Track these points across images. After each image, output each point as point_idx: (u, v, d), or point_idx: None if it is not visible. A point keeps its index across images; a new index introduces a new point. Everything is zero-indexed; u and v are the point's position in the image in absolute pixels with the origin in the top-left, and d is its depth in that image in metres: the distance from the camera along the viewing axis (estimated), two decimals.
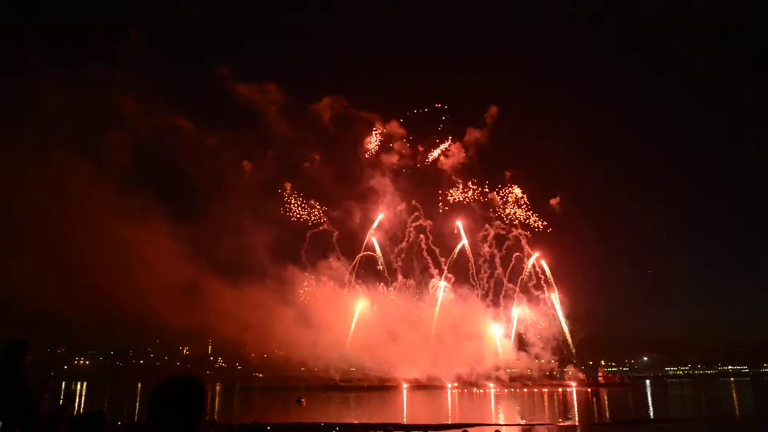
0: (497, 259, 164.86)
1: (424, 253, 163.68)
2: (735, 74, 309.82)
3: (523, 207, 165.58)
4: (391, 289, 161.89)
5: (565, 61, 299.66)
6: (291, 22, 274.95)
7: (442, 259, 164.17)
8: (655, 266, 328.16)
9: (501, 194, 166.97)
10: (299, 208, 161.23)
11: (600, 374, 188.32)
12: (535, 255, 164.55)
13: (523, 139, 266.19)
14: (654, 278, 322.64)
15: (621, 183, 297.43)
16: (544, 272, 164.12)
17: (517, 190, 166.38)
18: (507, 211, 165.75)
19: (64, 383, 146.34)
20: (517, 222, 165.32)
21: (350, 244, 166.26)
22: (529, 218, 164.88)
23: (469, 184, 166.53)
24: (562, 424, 64.23)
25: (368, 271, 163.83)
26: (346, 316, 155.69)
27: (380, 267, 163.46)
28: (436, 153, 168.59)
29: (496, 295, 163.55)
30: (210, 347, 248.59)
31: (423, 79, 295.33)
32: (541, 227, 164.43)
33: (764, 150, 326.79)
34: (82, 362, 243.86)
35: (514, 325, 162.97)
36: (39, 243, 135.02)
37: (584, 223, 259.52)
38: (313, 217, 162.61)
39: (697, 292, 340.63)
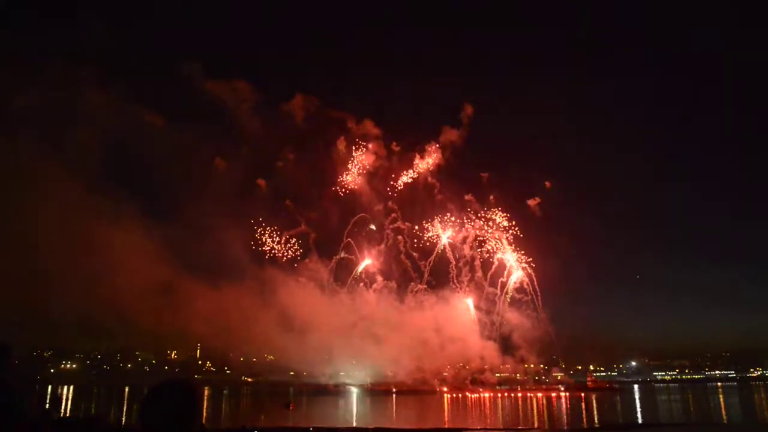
0: (478, 262, 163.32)
1: (402, 257, 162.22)
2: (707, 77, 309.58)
3: (506, 237, 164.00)
4: (372, 291, 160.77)
5: (542, 59, 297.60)
6: (260, 18, 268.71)
7: (422, 263, 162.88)
8: (643, 272, 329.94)
9: (482, 217, 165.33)
10: (274, 241, 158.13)
11: (589, 379, 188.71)
12: (520, 265, 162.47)
13: (499, 139, 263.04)
14: (642, 284, 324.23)
15: (605, 185, 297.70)
16: (528, 275, 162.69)
17: (498, 218, 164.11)
18: (487, 246, 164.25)
19: (50, 387, 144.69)
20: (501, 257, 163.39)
21: (327, 245, 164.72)
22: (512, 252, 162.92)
23: (447, 216, 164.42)
24: (551, 429, 64.34)
25: (347, 273, 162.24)
26: (328, 317, 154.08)
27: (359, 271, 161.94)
28: (406, 179, 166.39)
29: (477, 298, 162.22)
30: (198, 351, 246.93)
31: (397, 78, 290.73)
32: (528, 264, 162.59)
33: (752, 152, 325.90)
34: (69, 366, 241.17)
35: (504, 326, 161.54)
36: (12, 244, 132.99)
37: (569, 226, 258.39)
38: (288, 223, 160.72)
39: (684, 298, 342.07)
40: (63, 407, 77.19)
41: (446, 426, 61.89)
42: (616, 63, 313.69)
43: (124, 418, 63.95)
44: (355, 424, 64.25)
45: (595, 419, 79.98)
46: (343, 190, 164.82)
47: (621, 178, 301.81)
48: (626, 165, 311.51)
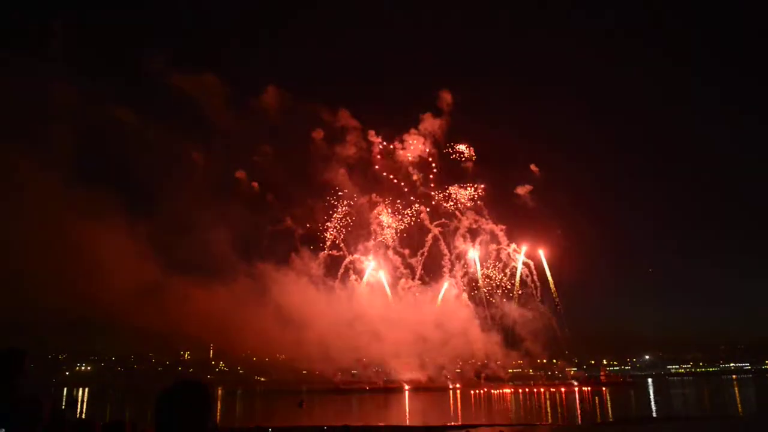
0: (472, 253, 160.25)
1: (389, 252, 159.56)
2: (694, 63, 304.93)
3: (501, 229, 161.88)
4: (365, 286, 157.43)
5: (530, 48, 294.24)
6: (224, 10, 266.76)
7: (413, 259, 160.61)
8: (655, 264, 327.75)
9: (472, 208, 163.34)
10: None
11: (602, 373, 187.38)
12: (518, 256, 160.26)
13: (483, 127, 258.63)
14: (654, 276, 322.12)
15: (614, 177, 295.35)
16: (527, 266, 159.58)
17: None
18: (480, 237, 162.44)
19: (66, 389, 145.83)
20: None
21: (314, 240, 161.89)
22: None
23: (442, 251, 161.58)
24: (565, 423, 64.08)
25: (337, 268, 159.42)
26: (325, 314, 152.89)
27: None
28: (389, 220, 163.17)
29: (475, 290, 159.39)
30: (211, 351, 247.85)
31: (372, 65, 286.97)
32: (526, 255, 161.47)
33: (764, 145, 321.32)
34: (83, 368, 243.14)
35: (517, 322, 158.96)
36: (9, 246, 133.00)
37: (568, 215, 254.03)
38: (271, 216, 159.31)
39: (698, 290, 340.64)
40: (79, 410, 77.88)
41: (459, 423, 61.76)
42: (610, 53, 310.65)
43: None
44: (368, 422, 64.28)
45: (610, 414, 79.62)
46: (325, 183, 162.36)
47: (629, 165, 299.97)
48: (630, 152, 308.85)
